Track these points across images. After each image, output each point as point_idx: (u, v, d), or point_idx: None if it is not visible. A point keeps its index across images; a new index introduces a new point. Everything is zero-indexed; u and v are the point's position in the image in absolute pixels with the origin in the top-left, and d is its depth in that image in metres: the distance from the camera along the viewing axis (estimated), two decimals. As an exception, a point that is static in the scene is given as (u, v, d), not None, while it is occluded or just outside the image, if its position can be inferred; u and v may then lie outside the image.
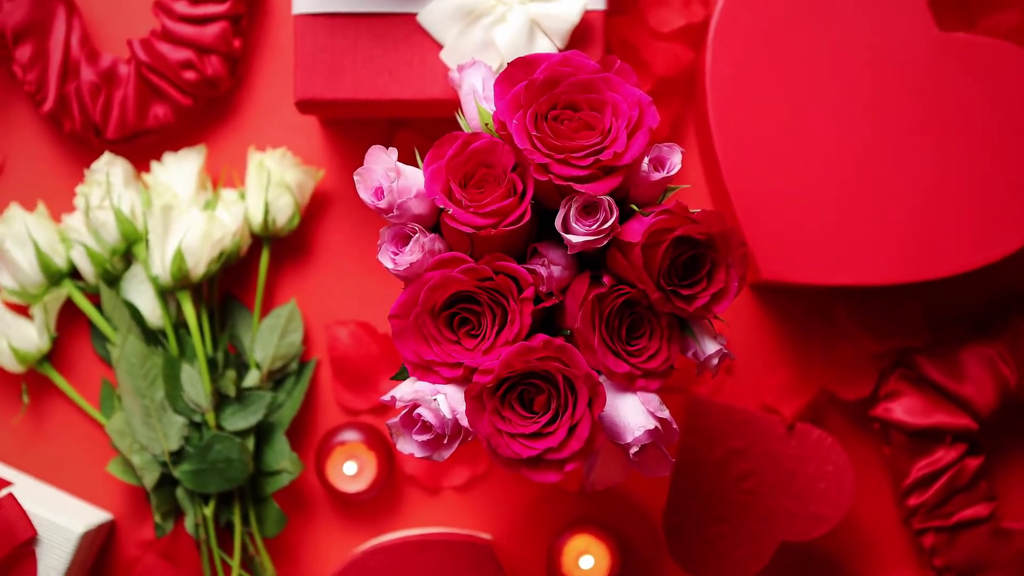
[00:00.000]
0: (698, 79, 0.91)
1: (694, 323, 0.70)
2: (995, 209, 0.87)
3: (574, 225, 0.68)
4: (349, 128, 0.95)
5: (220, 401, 0.90)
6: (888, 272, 0.87)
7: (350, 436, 0.92)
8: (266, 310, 0.94)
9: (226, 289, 0.94)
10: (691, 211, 0.69)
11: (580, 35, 0.85)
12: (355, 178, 0.69)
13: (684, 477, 0.89)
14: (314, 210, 0.95)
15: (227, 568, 0.92)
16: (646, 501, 0.94)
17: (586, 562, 0.90)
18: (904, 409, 0.91)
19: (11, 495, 0.86)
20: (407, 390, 0.70)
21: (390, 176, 0.68)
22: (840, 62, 0.87)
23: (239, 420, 0.90)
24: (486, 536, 0.93)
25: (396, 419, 0.69)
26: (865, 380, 0.93)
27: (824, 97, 0.87)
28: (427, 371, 0.69)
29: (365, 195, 0.69)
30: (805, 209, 0.87)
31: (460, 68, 0.73)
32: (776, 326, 0.95)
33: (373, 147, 0.69)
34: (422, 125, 0.94)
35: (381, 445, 0.92)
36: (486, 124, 0.71)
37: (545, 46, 0.84)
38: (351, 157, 0.95)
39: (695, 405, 0.89)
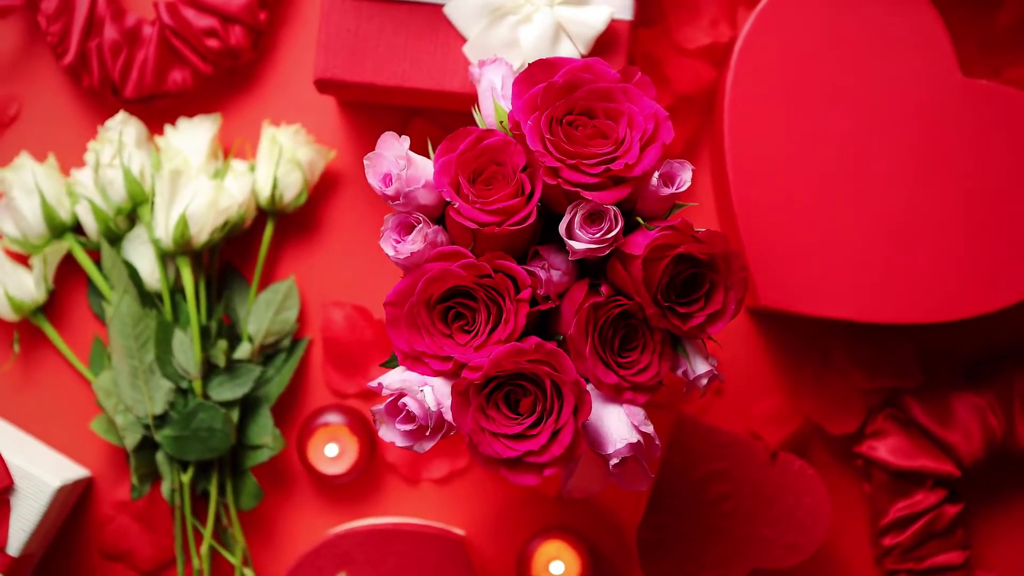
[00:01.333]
0: (717, 99, 0.91)
1: (687, 341, 0.70)
2: (1002, 259, 0.87)
3: (578, 232, 0.68)
4: (366, 112, 0.95)
5: (209, 370, 0.90)
6: (887, 311, 0.87)
7: (334, 418, 0.92)
8: (264, 284, 0.95)
9: (226, 259, 0.94)
10: (696, 230, 0.69)
11: (604, 43, 0.85)
12: (365, 162, 0.69)
13: (662, 493, 0.89)
14: (323, 190, 0.95)
15: (199, 536, 0.92)
16: (622, 513, 0.94)
17: (556, 568, 0.90)
18: (888, 449, 0.91)
19: (-8, 442, 0.86)
20: (395, 378, 0.70)
21: (400, 164, 0.68)
22: (860, 98, 0.87)
23: (226, 391, 0.90)
24: (459, 532, 0.93)
25: (381, 406, 0.69)
26: (853, 416, 0.93)
27: (841, 131, 0.87)
28: (417, 361, 0.69)
29: (373, 180, 0.69)
30: (811, 240, 0.87)
31: (481, 64, 0.73)
32: (770, 352, 0.95)
33: (386, 133, 0.69)
34: (438, 116, 0.94)
35: (364, 430, 0.92)
36: (501, 122, 0.71)
37: (568, 50, 0.84)
38: (365, 140, 0.95)
39: (681, 423, 0.89)
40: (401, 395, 0.69)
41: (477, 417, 0.67)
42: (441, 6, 0.85)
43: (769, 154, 0.87)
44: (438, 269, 0.68)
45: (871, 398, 0.93)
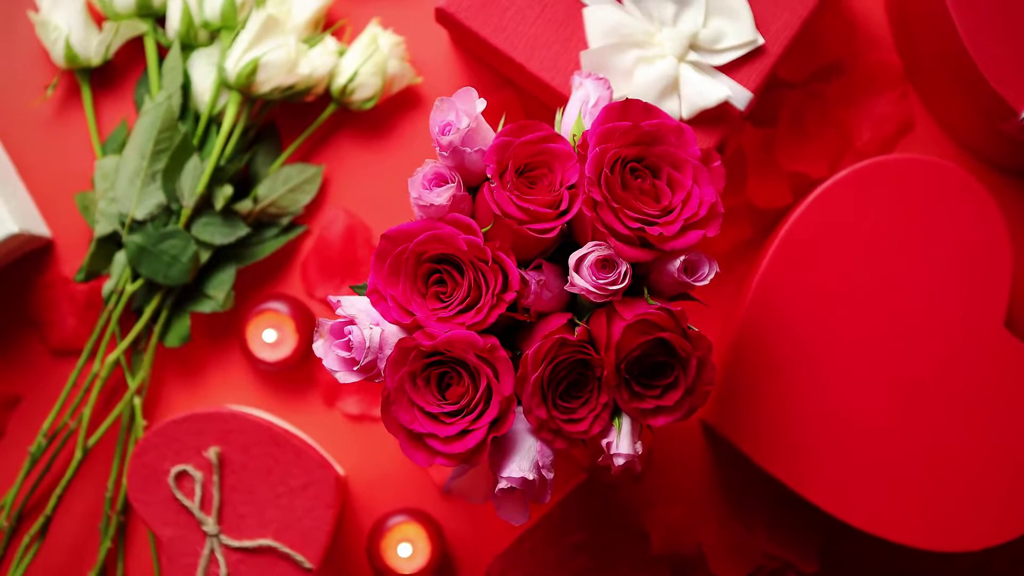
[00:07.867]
0: (777, 227, 0.90)
1: (627, 418, 0.70)
2: (961, 505, 0.86)
3: (585, 270, 0.68)
4: (469, 59, 0.95)
5: (203, 206, 0.90)
6: (828, 498, 0.85)
7: (284, 308, 0.92)
8: (294, 160, 0.95)
9: (273, 119, 0.95)
10: (689, 326, 0.69)
11: (707, 118, 0.84)
12: (435, 103, 0.69)
13: (532, 538, 0.89)
14: (393, 106, 0.95)
15: (112, 344, 0.92)
16: (493, 536, 0.94)
17: (403, 550, 0.90)
18: (753, 613, 0.91)
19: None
20: (354, 305, 0.70)
21: (464, 121, 0.68)
22: (899, 299, 0.86)
23: (208, 233, 0.90)
24: (341, 471, 0.93)
25: (329, 322, 0.69)
26: (740, 567, 0.93)
27: (866, 319, 0.86)
28: (381, 301, 0.69)
29: (434, 124, 0.69)
30: (789, 399, 0.86)
31: (587, 74, 0.73)
32: (702, 470, 0.94)
33: (467, 87, 0.69)
34: (527, 98, 0.94)
35: (308, 335, 0.92)
36: (574, 135, 0.71)
37: (672, 108, 0.84)
38: (453, 83, 0.95)
39: (585, 485, 0.89)
40: (351, 322, 0.69)
41: (405, 379, 0.67)
42: (585, 5, 0.85)
43: (794, 305, 0.86)
44: (445, 232, 0.67)
45: (765, 561, 0.93)
